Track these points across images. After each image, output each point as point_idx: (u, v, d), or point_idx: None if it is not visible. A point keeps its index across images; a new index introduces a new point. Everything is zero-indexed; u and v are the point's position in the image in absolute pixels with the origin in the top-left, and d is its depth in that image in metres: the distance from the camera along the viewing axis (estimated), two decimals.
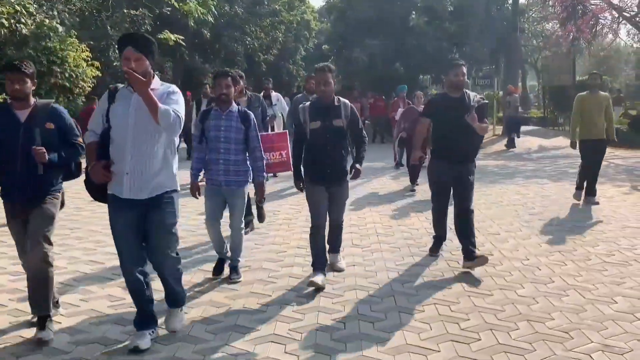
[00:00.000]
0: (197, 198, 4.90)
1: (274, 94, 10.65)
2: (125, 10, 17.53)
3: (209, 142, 4.65)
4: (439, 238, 5.55)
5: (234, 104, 4.66)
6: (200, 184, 4.89)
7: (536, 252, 5.55)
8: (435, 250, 5.51)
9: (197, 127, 4.74)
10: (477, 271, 4.92)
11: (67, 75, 14.06)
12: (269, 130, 6.90)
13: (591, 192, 7.92)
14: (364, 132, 4.85)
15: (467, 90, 5.16)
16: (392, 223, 6.98)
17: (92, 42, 17.26)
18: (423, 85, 24.29)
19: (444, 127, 5.06)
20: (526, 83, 31.07)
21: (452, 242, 5.91)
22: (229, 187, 4.66)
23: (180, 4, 19.63)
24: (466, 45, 19.44)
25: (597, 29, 18.20)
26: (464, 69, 5.06)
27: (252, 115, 4.73)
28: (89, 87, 15.07)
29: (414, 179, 9.19)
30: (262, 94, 10.20)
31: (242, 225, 4.91)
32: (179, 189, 3.60)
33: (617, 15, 17.65)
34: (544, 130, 19.11)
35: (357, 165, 4.69)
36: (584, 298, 4.29)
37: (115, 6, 17.43)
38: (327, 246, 4.91)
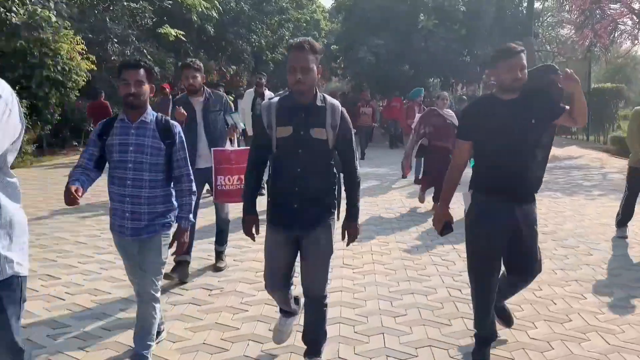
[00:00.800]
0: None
1: (267, 92, 9.06)
2: (125, 3, 16.92)
3: (112, 170, 3.10)
4: (485, 340, 3.35)
5: (149, 109, 3.11)
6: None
7: (550, 280, 4.87)
8: (480, 355, 3.31)
9: (93, 143, 3.12)
10: None
11: (59, 68, 13.51)
12: (230, 144, 5.17)
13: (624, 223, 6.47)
14: (357, 161, 3.10)
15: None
16: (389, 239, 6.32)
17: (90, 35, 16.74)
18: (431, 89, 23.58)
19: (498, 148, 3.16)
20: None
21: (455, 265, 5.25)
22: (137, 238, 3.10)
23: None
24: (477, 49, 18.73)
25: (616, 34, 17.42)
26: (524, 58, 3.07)
27: (176, 128, 3.16)
28: (83, 81, 14.51)
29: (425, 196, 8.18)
30: (253, 89, 9.26)
31: (157, 294, 3.18)
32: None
33: (638, 21, 16.87)
34: (557, 138, 18.31)
35: (352, 222, 3.08)
36: (608, 344, 3.62)
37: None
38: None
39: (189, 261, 4.84)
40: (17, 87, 12.45)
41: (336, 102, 2.99)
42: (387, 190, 9.87)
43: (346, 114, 3.00)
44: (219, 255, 5.19)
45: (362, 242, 6.08)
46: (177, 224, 3.24)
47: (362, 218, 7.56)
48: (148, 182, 3.05)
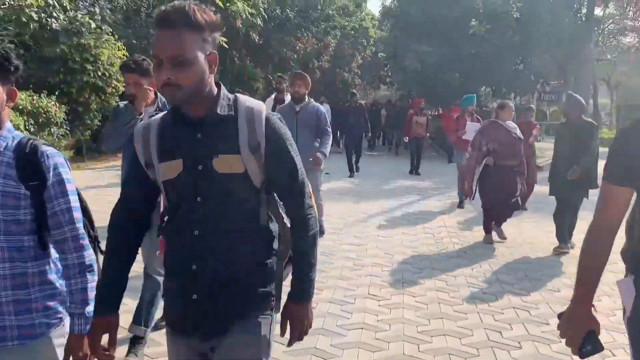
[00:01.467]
0: None
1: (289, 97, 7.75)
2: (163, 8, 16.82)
3: None
4: None
5: (7, 125, 1.79)
6: None
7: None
8: None
9: None
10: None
11: (100, 73, 13.45)
12: None
13: None
14: (306, 192, 1.78)
15: None
16: (424, 265, 5.66)
17: (134, 42, 16.75)
18: (482, 98, 22.58)
19: None
20: (597, 100, 28.68)
21: (497, 301, 4.55)
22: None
23: (228, 3, 18.97)
24: (532, 56, 17.72)
25: None
26: None
27: (46, 151, 1.81)
28: (123, 86, 14.39)
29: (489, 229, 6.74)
30: (273, 96, 8.39)
31: None
32: None
33: None
34: None
35: (298, 305, 1.80)
36: None
37: (157, 4, 16.77)
38: None
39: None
40: (56, 92, 12.46)
41: (257, 105, 1.73)
42: (428, 207, 9.16)
43: (277, 121, 1.73)
44: None
45: (392, 267, 5.45)
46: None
47: (395, 237, 7.20)
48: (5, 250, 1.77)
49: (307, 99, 6.17)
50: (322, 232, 6.24)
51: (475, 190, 6.72)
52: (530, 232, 7.29)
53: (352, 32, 41.12)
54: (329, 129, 6.22)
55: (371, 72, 48.30)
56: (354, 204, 9.06)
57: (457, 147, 9.09)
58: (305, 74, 6.23)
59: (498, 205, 6.53)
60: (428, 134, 14.37)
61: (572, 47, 17.80)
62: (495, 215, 6.66)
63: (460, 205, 8.95)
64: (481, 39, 17.02)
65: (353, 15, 40.08)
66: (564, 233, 6.21)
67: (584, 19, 19.15)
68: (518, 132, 6.62)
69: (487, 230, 6.72)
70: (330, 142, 6.18)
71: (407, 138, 13.61)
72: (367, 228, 7.31)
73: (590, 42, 19.00)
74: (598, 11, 23.59)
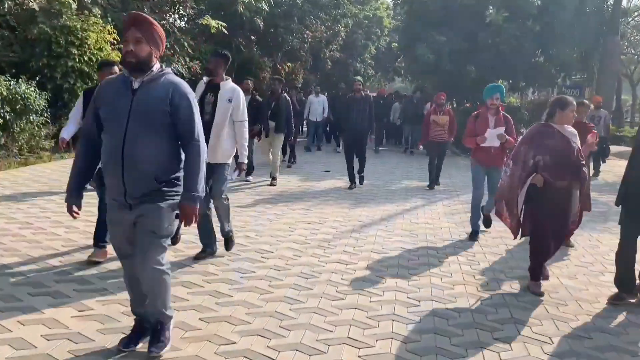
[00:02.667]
0: None
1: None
2: None
3: None
4: None
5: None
6: None
7: None
8: None
9: None
10: None
11: (86, 58, 12.52)
12: None
13: None
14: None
15: None
16: (423, 294, 4.64)
17: None
18: None
19: None
20: (620, 96, 27.29)
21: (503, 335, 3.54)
22: None
23: None
24: (553, 48, 16.50)
25: None
26: None
27: None
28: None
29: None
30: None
31: None
32: None
33: None
34: None
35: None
36: None
37: None
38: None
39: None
40: (37, 77, 11.56)
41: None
42: (434, 219, 8.12)
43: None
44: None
45: (382, 298, 4.45)
46: None
47: (391, 252, 5.80)
48: None
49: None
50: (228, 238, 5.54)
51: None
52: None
53: (366, 21, 39.97)
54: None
55: (385, 63, 47.22)
56: (350, 210, 8.05)
57: (474, 157, 6.62)
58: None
59: (550, 243, 4.82)
60: (452, 139, 11.17)
61: (597, 39, 16.59)
62: (547, 256, 4.92)
63: (474, 237, 6.58)
64: (498, 28, 15.83)
65: (367, 3, 38.89)
66: (630, 278, 4.65)
67: (610, 9, 17.91)
68: (577, 141, 4.82)
69: (535, 277, 4.88)
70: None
71: (421, 146, 11.98)
72: (360, 241, 6.31)
73: (617, 35, 17.76)
74: (624, 2, 22.26)
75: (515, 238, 5.09)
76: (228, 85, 5.02)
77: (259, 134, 9.53)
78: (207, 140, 3.80)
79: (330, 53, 32.43)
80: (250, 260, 5.32)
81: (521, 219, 4.90)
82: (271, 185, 9.65)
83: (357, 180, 10.01)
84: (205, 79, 5.15)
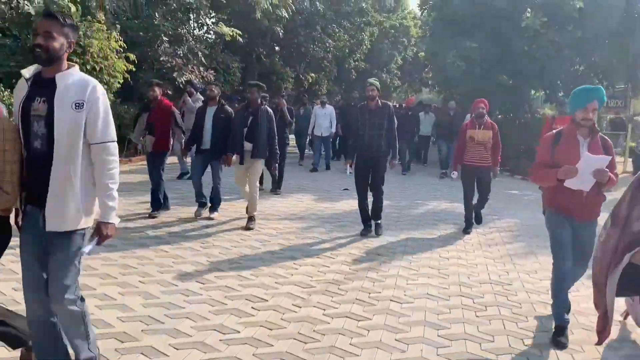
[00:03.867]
0: None
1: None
2: None
3: None
4: None
5: None
6: None
7: None
8: None
9: None
10: None
11: (88, 67, 11.69)
12: None
13: None
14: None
15: None
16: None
17: (141, 34, 15.02)
18: (533, 103, 20.01)
19: None
20: None
21: None
22: None
23: None
24: (595, 55, 15.13)
25: None
26: None
27: None
28: (119, 82, 12.68)
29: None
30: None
31: None
32: None
33: None
34: None
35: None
36: None
37: None
38: None
39: None
40: None
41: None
42: (468, 258, 6.92)
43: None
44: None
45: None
46: None
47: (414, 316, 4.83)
48: None
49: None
50: None
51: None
52: None
53: (392, 30, 38.86)
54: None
55: (412, 74, 45.99)
56: (367, 239, 6.91)
57: (552, 203, 4.24)
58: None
59: None
60: (498, 166, 7.72)
61: None
62: None
63: (559, 335, 3.99)
64: (535, 34, 14.55)
65: (393, 12, 37.80)
66: None
67: None
68: None
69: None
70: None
71: (454, 173, 7.86)
72: (378, 284, 5.16)
73: None
74: None
75: (599, 343, 3.66)
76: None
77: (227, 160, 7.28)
78: None
79: (355, 63, 31.43)
80: (237, 313, 4.22)
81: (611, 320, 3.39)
82: (247, 229, 6.97)
83: (372, 227, 7.25)
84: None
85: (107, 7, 13.41)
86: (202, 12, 15.48)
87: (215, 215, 7.55)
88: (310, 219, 7.92)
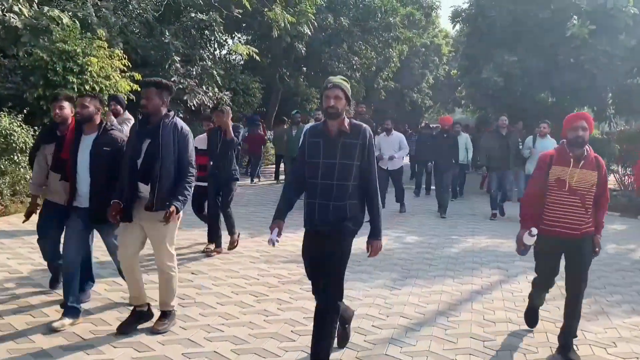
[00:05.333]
0: None
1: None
2: (192, 15, 14.04)
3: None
4: None
5: None
6: None
7: None
8: None
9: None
10: None
11: (88, 87, 10.69)
12: None
13: None
14: None
15: None
16: None
17: (152, 52, 14.08)
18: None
19: None
20: None
21: None
22: None
23: (265, 9, 16.03)
24: None
25: None
26: None
27: None
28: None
29: None
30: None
31: None
32: None
33: None
34: None
35: None
36: None
37: (182, 10, 14.06)
38: None
39: None
40: (25, 110, 9.83)
41: None
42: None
43: None
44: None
45: None
46: None
47: None
48: None
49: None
50: None
51: None
52: None
53: (423, 49, 37.55)
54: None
55: (444, 93, 44.52)
56: (391, 291, 5.51)
57: None
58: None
59: None
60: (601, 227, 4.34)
61: None
62: None
63: None
64: (582, 43, 13.02)
65: (423, 30, 36.55)
66: None
67: None
68: None
69: None
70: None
71: (533, 231, 4.08)
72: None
73: None
74: None
75: None
76: None
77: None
78: None
79: (384, 82, 30.14)
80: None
81: None
82: (155, 331, 4.20)
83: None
84: None
85: (112, 22, 12.47)
86: (216, 29, 14.42)
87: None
88: None
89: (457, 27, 18.28)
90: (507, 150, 9.99)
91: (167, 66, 13.89)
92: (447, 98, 43.43)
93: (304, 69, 25.43)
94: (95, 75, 10.86)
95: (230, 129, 6.48)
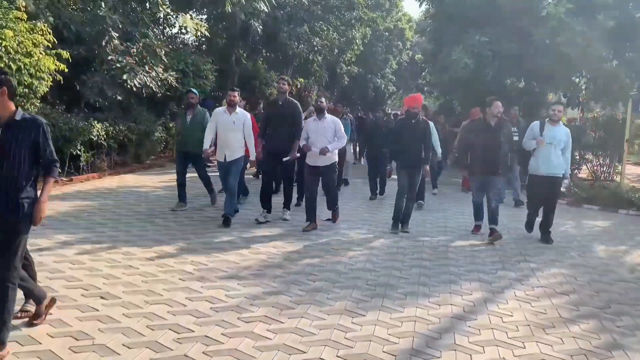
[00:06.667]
0: None
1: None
2: None
3: None
4: None
5: None
6: None
7: None
8: None
9: None
10: None
11: (2, 65, 9.16)
12: None
13: None
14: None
15: None
16: None
17: (88, 29, 12.49)
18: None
19: None
20: None
21: None
22: None
23: None
24: (631, 50, 12.70)
25: None
26: None
27: None
28: (46, 86, 10.15)
29: None
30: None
31: None
32: None
33: None
34: None
35: None
36: None
37: None
38: None
39: None
40: None
41: None
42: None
43: None
44: None
45: None
46: None
47: None
48: None
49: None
50: None
51: None
52: None
53: (386, 33, 36.48)
54: None
55: (407, 80, 43.69)
56: (348, 332, 4.36)
57: None
58: None
59: None
60: None
61: None
62: None
63: None
64: (559, 24, 12.07)
65: (387, 13, 35.48)
66: None
67: None
68: None
69: None
70: None
71: None
72: None
73: None
74: None
75: None
76: None
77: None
78: None
79: (347, 67, 28.97)
80: None
81: None
82: None
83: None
84: None
85: None
86: (160, 2, 12.92)
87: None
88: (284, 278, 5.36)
89: (423, 6, 17.15)
90: (495, 148, 7.23)
91: (103, 43, 12.35)
92: (411, 85, 42.69)
93: (264, 51, 24.04)
94: (11, 51, 9.35)
95: None
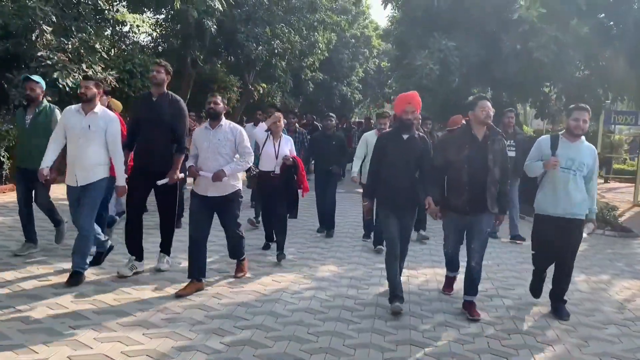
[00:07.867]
0: None
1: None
2: None
3: None
4: None
5: None
6: None
7: None
8: None
9: None
10: None
11: None
12: None
13: None
14: None
15: None
16: None
17: (16, 21, 11.17)
18: (522, 119, 16.86)
19: None
20: None
21: None
22: None
23: None
24: (604, 59, 12.03)
25: None
26: None
27: None
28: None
29: None
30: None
31: None
32: None
33: None
34: None
35: None
36: None
37: None
38: None
39: None
40: None
41: None
42: None
43: None
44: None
45: None
46: None
47: None
48: None
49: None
50: None
51: None
52: None
53: (352, 40, 35.73)
54: None
55: (374, 88, 43.01)
56: None
57: None
58: None
59: None
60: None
61: None
62: None
63: None
64: (531, 29, 11.30)
65: (354, 20, 34.82)
66: None
67: None
68: None
69: None
70: None
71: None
72: None
73: None
74: None
75: None
76: None
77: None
78: None
79: (312, 74, 28.02)
80: None
81: None
82: None
83: None
84: None
85: None
86: None
87: None
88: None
89: (389, 9, 16.29)
90: (484, 172, 4.76)
91: (34, 37, 11.03)
92: (378, 94, 42.10)
93: (223, 53, 22.85)
94: None
95: None
